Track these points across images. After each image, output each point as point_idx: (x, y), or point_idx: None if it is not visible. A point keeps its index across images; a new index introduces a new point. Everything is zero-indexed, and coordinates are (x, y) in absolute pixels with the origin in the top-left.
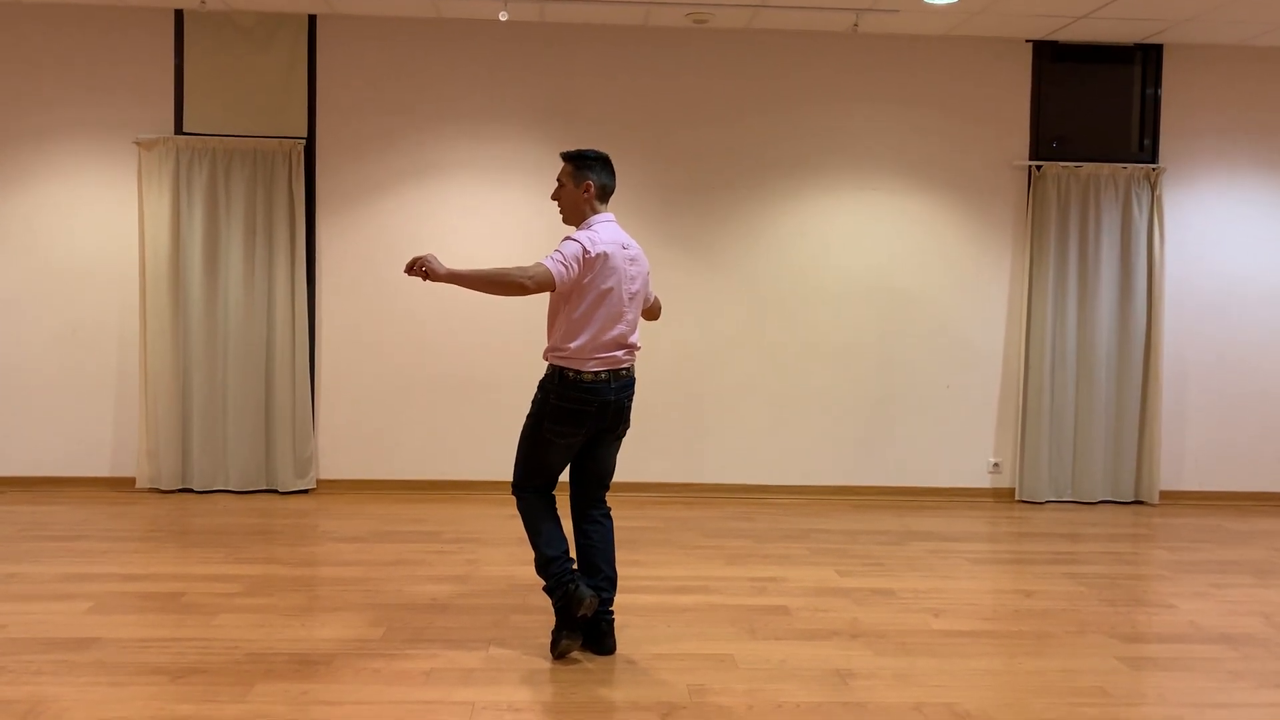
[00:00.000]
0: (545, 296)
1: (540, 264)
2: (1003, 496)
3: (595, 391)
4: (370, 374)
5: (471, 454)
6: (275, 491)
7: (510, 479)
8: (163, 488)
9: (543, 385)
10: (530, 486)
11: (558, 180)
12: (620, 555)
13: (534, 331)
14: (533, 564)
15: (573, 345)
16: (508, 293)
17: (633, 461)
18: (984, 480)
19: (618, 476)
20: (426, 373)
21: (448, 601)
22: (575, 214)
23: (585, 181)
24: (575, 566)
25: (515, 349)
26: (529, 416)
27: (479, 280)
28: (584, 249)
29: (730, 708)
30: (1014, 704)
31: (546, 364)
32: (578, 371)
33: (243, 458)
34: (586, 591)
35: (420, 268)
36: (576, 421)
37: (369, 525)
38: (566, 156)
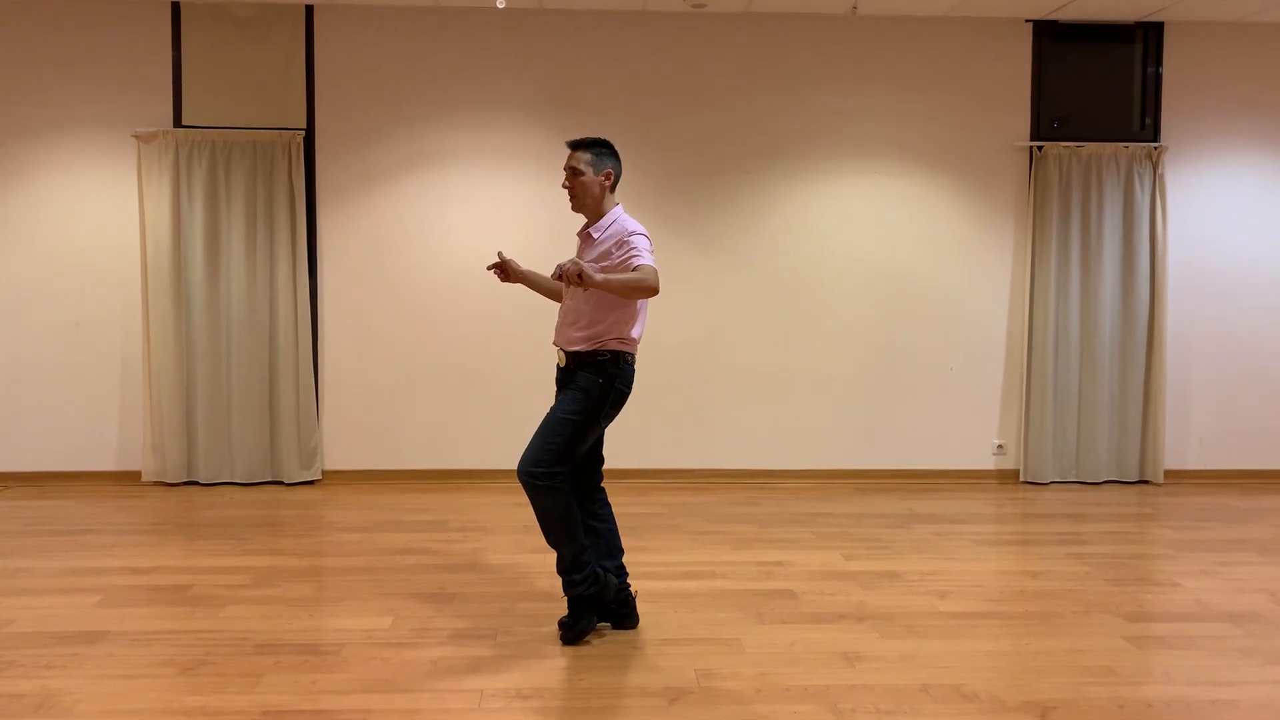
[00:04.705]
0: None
1: (649, 265)
2: (1007, 478)
3: (634, 374)
4: (374, 364)
5: (476, 443)
6: (281, 483)
7: (515, 468)
8: (168, 481)
9: (602, 371)
10: (563, 474)
11: (571, 169)
12: (626, 541)
13: (535, 321)
14: (539, 550)
15: (634, 332)
16: (644, 295)
17: (637, 447)
18: (988, 462)
19: (622, 463)
20: (430, 362)
21: (455, 590)
22: (593, 202)
23: (606, 169)
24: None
25: (518, 338)
26: (581, 402)
27: (623, 286)
28: (649, 243)
29: (738, 692)
30: (1021, 684)
31: (596, 349)
32: (633, 356)
33: (248, 450)
34: (613, 578)
35: (575, 275)
36: (623, 403)
37: (375, 515)
38: (581, 144)
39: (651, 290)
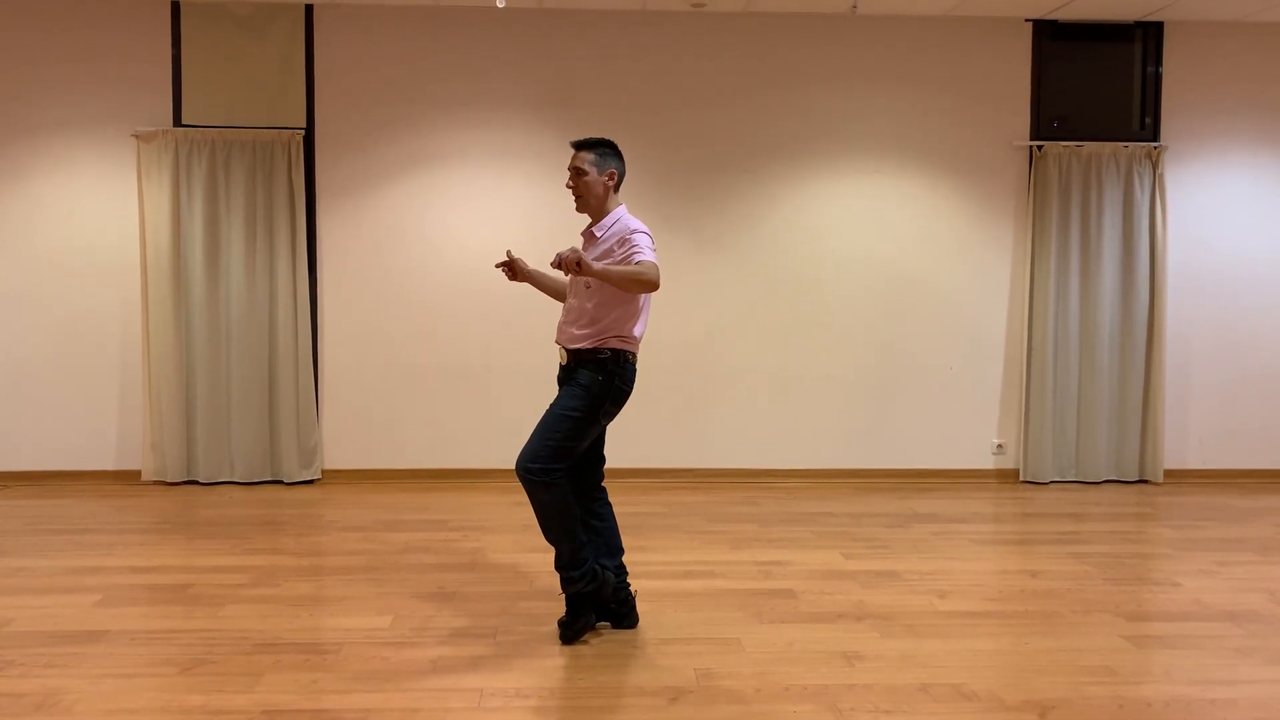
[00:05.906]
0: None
1: (651, 262)
2: (1007, 477)
3: (635, 373)
4: (373, 363)
5: (476, 442)
6: (280, 482)
7: (513, 466)
8: (168, 480)
9: (602, 368)
10: (561, 470)
11: (575, 169)
12: (626, 541)
13: (535, 320)
14: (538, 549)
15: (636, 331)
16: (643, 289)
17: (637, 447)
18: (988, 461)
19: (622, 462)
20: (429, 361)
21: (455, 589)
22: (596, 202)
23: (610, 169)
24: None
25: (518, 338)
26: (581, 399)
27: (621, 276)
28: (651, 241)
29: (738, 691)
30: (1020, 684)
31: (597, 347)
32: (635, 354)
33: (247, 449)
34: (611, 577)
35: (574, 262)
36: (624, 401)
37: (374, 514)
38: (585, 144)
39: (650, 283)
